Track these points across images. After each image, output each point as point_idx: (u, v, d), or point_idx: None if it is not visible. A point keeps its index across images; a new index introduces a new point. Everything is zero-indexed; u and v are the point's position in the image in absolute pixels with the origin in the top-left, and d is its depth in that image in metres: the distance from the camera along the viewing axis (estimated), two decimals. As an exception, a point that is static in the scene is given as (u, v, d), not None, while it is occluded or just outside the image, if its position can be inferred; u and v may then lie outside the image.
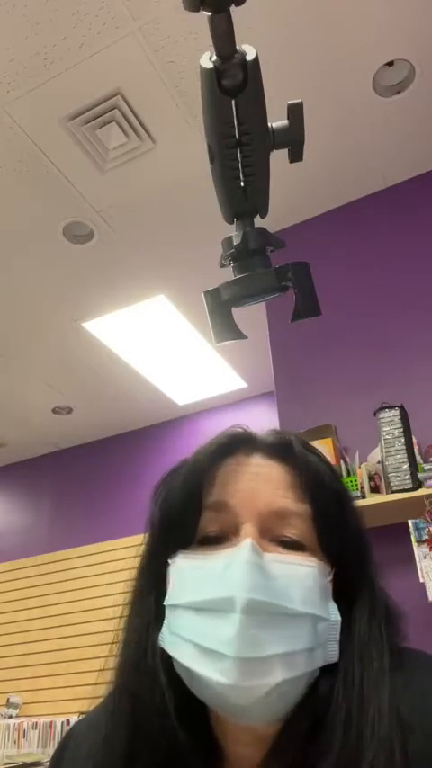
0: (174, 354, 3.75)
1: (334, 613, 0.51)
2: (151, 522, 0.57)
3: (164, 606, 0.53)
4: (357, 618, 0.52)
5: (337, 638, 0.51)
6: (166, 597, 0.53)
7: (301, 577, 0.50)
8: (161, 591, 0.54)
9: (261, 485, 0.54)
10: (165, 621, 0.53)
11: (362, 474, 2.02)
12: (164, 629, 0.52)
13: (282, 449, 0.57)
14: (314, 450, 0.58)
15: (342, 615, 0.52)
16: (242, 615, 0.46)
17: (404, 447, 1.91)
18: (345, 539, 0.54)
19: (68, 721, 3.59)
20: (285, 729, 0.50)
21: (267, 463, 0.56)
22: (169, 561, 0.54)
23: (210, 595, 0.49)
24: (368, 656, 0.50)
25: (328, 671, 0.50)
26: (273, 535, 0.52)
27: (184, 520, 0.54)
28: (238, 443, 0.58)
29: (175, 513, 0.55)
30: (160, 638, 0.52)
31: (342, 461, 2.12)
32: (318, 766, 0.47)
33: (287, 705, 0.49)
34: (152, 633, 0.53)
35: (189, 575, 0.52)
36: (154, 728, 0.50)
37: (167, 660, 0.51)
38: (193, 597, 0.50)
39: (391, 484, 1.88)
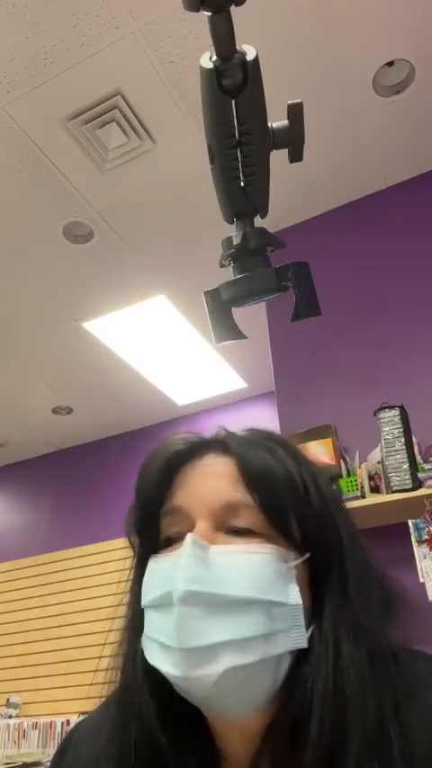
0: (174, 354, 3.75)
1: (294, 598, 0.51)
2: (128, 534, 0.60)
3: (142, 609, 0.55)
4: (328, 603, 0.52)
5: (302, 623, 0.50)
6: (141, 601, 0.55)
7: (249, 564, 0.50)
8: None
9: (210, 482, 0.55)
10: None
11: (362, 474, 2.02)
12: (144, 632, 0.54)
13: (224, 445, 0.58)
14: (272, 442, 0.58)
15: (317, 601, 0.52)
16: (180, 607, 0.48)
17: (404, 447, 1.91)
18: (306, 525, 0.54)
19: (68, 721, 3.59)
20: (272, 725, 0.50)
21: (217, 461, 0.57)
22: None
23: (158, 593, 0.51)
24: (343, 641, 0.49)
25: (302, 658, 0.50)
26: (226, 527, 0.53)
27: (151, 529, 0.57)
28: (191, 449, 0.59)
29: (142, 524, 0.58)
30: (142, 643, 0.54)
31: (342, 461, 2.12)
32: (301, 760, 0.46)
33: (257, 694, 0.49)
34: (134, 639, 0.55)
35: (151, 576, 0.54)
36: (139, 738, 0.51)
37: (148, 662, 0.53)
38: (150, 597, 0.53)
39: (391, 484, 1.88)
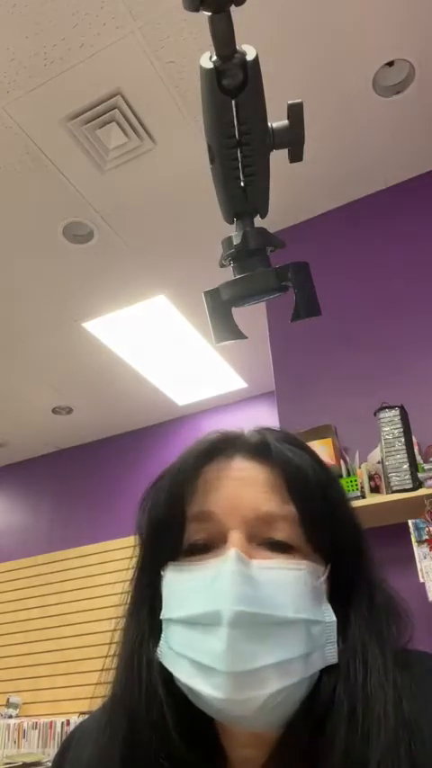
0: (174, 354, 3.75)
1: (328, 615, 0.50)
2: (140, 534, 0.57)
3: (161, 619, 0.53)
4: (355, 615, 0.51)
5: (334, 640, 0.50)
6: (162, 611, 0.53)
7: (290, 582, 0.49)
8: (155, 602, 0.53)
9: (244, 489, 0.52)
10: (162, 635, 0.52)
11: (362, 474, 2.02)
12: (162, 643, 0.52)
13: (261, 448, 0.55)
14: (300, 445, 0.56)
15: (340, 614, 0.51)
16: (230, 629, 0.45)
17: (404, 447, 1.91)
18: (336, 536, 0.53)
19: (68, 721, 3.59)
20: (288, 732, 0.50)
21: (249, 465, 0.54)
22: (162, 573, 0.53)
23: (199, 609, 0.48)
24: (370, 653, 0.49)
25: (328, 671, 0.50)
26: (261, 540, 0.51)
27: (171, 532, 0.53)
28: (219, 448, 0.56)
29: (161, 525, 0.54)
30: (159, 653, 0.52)
31: (342, 461, 2.12)
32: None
33: (289, 710, 0.49)
34: (146, 646, 0.53)
35: (179, 588, 0.51)
36: (151, 744, 0.50)
37: (166, 674, 0.51)
38: (184, 612, 0.50)
39: (391, 484, 1.88)
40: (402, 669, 0.50)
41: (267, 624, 0.47)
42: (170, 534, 0.53)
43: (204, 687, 0.46)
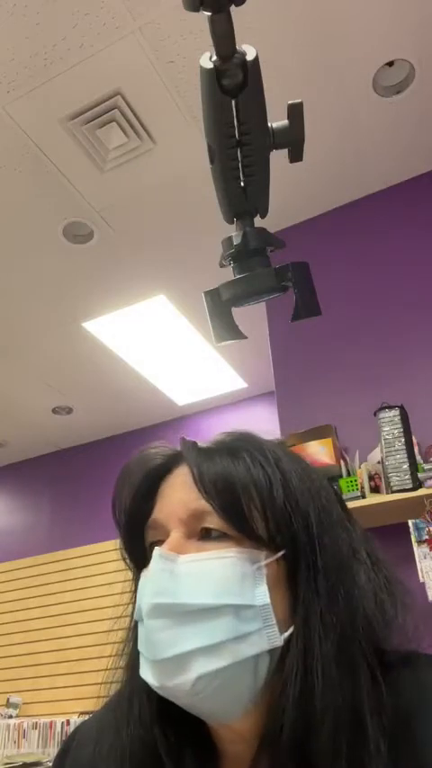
0: (174, 354, 3.75)
1: (261, 598, 0.51)
2: (122, 552, 0.61)
3: None
4: (299, 599, 0.52)
5: (273, 623, 0.50)
6: None
7: (212, 570, 0.51)
8: None
9: (179, 492, 0.56)
10: None
11: (362, 474, 2.02)
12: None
13: (188, 453, 0.58)
14: (242, 443, 0.58)
15: (291, 598, 0.52)
16: (148, 620, 0.51)
17: (404, 447, 1.91)
18: (272, 524, 0.53)
19: (68, 721, 3.59)
20: (265, 725, 0.50)
21: (185, 471, 0.58)
22: None
23: (136, 607, 0.54)
24: (312, 637, 0.49)
25: (282, 657, 0.50)
26: (198, 534, 0.55)
27: (139, 544, 0.59)
28: (168, 462, 0.60)
29: (128, 543, 0.60)
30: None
31: (342, 461, 2.12)
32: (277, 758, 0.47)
33: (238, 696, 0.50)
34: (130, 648, 0.57)
35: (137, 591, 0.56)
36: (138, 741, 0.53)
37: None
38: (136, 611, 0.55)
39: (391, 484, 1.88)
40: (360, 656, 0.49)
41: (185, 612, 0.50)
42: (139, 545, 0.59)
43: (147, 676, 0.51)
